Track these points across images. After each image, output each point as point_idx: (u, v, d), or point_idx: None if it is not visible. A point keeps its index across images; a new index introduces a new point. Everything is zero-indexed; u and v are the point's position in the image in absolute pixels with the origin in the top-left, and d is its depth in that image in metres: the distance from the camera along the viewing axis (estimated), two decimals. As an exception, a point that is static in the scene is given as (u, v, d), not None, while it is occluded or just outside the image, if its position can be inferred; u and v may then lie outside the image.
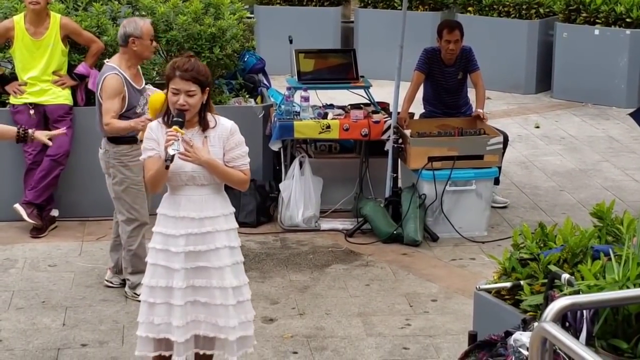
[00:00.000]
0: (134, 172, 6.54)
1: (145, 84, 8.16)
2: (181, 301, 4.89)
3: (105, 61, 6.82)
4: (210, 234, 4.93)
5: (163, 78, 8.33)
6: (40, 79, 7.88)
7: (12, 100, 7.90)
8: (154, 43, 6.80)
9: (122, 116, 6.49)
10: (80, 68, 7.97)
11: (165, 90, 5.00)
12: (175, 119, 4.84)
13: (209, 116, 4.96)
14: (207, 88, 4.93)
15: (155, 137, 4.93)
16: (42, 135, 5.90)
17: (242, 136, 5.03)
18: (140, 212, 6.63)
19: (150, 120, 6.28)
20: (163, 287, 4.92)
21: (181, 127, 4.81)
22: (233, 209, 5.07)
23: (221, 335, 4.97)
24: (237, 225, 5.07)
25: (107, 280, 6.87)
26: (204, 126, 4.94)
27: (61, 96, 7.91)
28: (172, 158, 4.77)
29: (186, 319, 4.91)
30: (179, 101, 4.83)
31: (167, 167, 4.80)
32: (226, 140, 4.95)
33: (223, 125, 4.98)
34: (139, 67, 6.79)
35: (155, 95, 6.36)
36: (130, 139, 6.57)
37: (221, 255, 4.95)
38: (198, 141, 4.91)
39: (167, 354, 5.01)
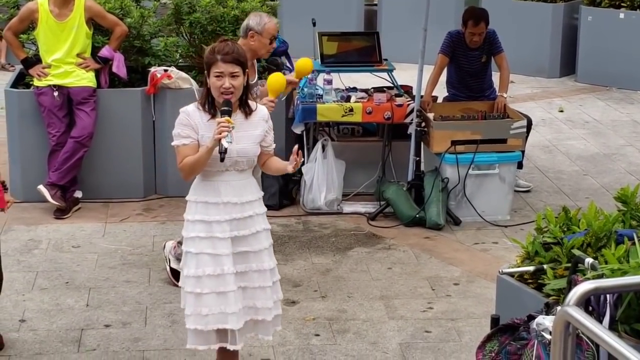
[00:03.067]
0: None
1: (169, 65, 8.21)
2: (234, 286, 4.86)
3: None
4: (251, 218, 4.94)
5: (187, 61, 8.42)
6: (64, 61, 7.90)
7: (36, 82, 7.93)
8: (273, 44, 6.71)
9: None
10: (104, 51, 7.99)
11: (214, 76, 4.83)
12: (223, 108, 4.79)
13: (251, 101, 4.96)
14: (247, 70, 4.91)
15: (193, 123, 4.87)
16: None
17: None
18: None
19: (273, 101, 6.37)
20: (211, 275, 4.85)
21: (230, 116, 4.78)
22: (262, 193, 5.11)
23: (258, 317, 4.98)
24: (266, 209, 5.11)
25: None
26: (248, 111, 4.94)
27: (85, 78, 7.94)
28: (226, 150, 4.73)
29: (239, 304, 4.88)
30: (224, 84, 4.78)
31: (222, 160, 4.75)
32: (265, 123, 4.99)
33: (260, 110, 5.01)
34: (254, 62, 6.74)
35: (275, 76, 6.37)
36: None
37: (260, 238, 4.97)
38: (241, 127, 4.87)
39: (216, 346, 4.98)
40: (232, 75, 4.80)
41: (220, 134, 4.71)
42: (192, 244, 4.92)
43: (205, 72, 4.88)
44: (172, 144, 4.94)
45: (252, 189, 4.99)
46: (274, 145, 5.12)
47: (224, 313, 4.86)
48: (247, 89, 4.95)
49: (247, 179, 4.97)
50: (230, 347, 4.94)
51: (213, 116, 4.87)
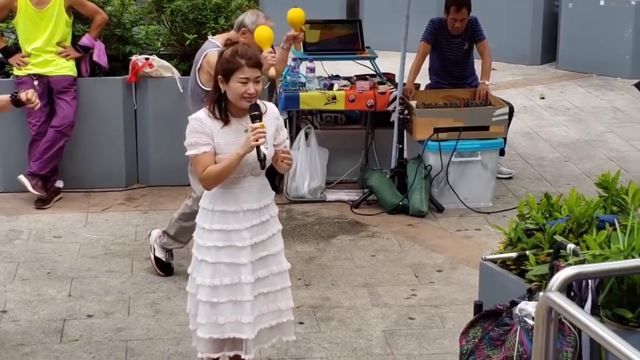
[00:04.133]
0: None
1: (150, 54, 8.16)
2: (251, 296, 4.71)
3: (209, 36, 6.71)
4: (268, 221, 4.81)
5: (168, 49, 8.38)
6: (44, 49, 7.86)
7: (16, 71, 7.89)
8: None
9: None
10: (85, 40, 7.95)
11: (238, 82, 4.62)
12: (254, 113, 4.61)
13: (259, 101, 4.75)
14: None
15: (207, 130, 4.66)
16: (27, 94, 5.44)
17: None
18: None
19: (271, 52, 6.17)
20: (228, 284, 4.70)
21: (261, 120, 4.62)
22: (274, 193, 4.97)
23: (283, 319, 4.88)
24: (277, 209, 4.97)
25: None
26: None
27: (65, 67, 7.90)
28: (265, 157, 4.59)
29: (254, 313, 4.74)
30: (249, 90, 4.59)
31: (263, 167, 4.61)
32: (277, 121, 4.82)
33: (270, 108, 4.83)
34: None
35: (261, 28, 6.19)
36: None
37: (277, 240, 4.86)
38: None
39: (231, 354, 4.86)
40: (256, 80, 4.64)
41: (257, 140, 4.53)
42: (208, 253, 4.74)
43: (222, 76, 4.65)
44: (189, 153, 4.71)
45: (267, 191, 4.84)
46: (287, 143, 4.92)
47: (240, 322, 4.73)
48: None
49: (263, 182, 4.82)
50: (245, 357, 4.78)
51: (226, 122, 4.67)
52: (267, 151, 4.64)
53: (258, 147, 4.56)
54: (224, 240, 4.72)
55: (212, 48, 6.26)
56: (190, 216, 6.56)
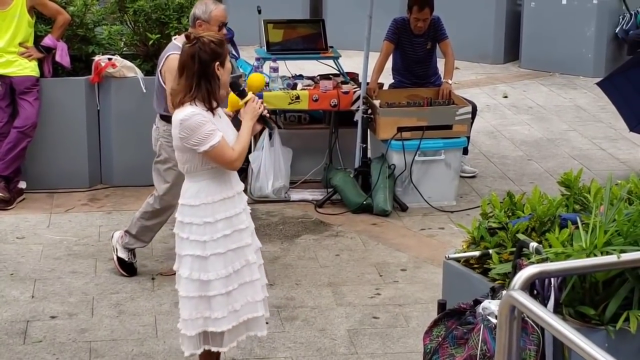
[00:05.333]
0: None
1: (113, 54, 8.13)
2: (258, 274, 4.91)
3: (173, 38, 6.67)
4: (239, 195, 4.94)
5: (131, 49, 8.35)
6: (7, 50, 7.80)
7: (-22, 71, 7.83)
8: (224, 30, 6.45)
9: None
10: (47, 40, 7.90)
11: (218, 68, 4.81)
12: (241, 89, 4.98)
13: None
14: None
15: (209, 118, 4.75)
16: None
17: None
18: (174, 196, 6.51)
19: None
20: (238, 269, 4.82)
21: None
22: None
23: (258, 313, 4.92)
24: None
25: None
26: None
27: (27, 67, 7.84)
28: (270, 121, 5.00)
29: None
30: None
31: (271, 137, 4.98)
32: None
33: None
34: None
35: (255, 76, 6.20)
36: None
37: (250, 215, 5.02)
38: (222, 114, 4.95)
39: (242, 337, 4.97)
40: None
41: (262, 109, 4.93)
42: (217, 244, 4.78)
43: (218, 63, 4.77)
44: (206, 147, 4.70)
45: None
46: None
47: (254, 302, 4.85)
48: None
49: None
50: (260, 334, 4.98)
51: (212, 111, 4.78)
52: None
53: (262, 115, 4.92)
54: (230, 227, 4.81)
55: (173, 51, 6.24)
56: (152, 214, 6.54)
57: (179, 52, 5.70)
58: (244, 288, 4.85)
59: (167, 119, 6.33)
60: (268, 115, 5.01)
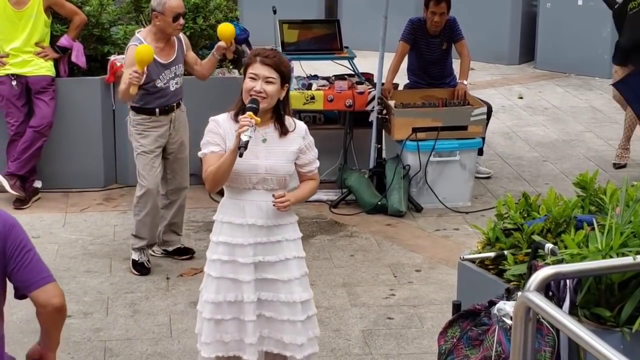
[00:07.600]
0: (149, 141, 6.54)
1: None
2: (253, 316, 4.54)
3: (136, 31, 6.76)
4: (279, 243, 4.58)
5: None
6: (23, 50, 7.83)
7: (-6, 71, 7.86)
8: (181, 20, 6.51)
9: (141, 88, 6.34)
10: (63, 41, 7.92)
11: (248, 77, 4.50)
12: (249, 105, 4.42)
13: (288, 119, 4.60)
14: (287, 85, 4.56)
15: (222, 132, 4.52)
16: None
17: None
18: (147, 179, 6.56)
19: (139, 73, 6.12)
20: (232, 301, 4.55)
21: (255, 114, 4.39)
22: (297, 217, 4.80)
23: (287, 352, 4.62)
24: (301, 234, 4.76)
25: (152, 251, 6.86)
26: (283, 130, 4.57)
27: (44, 67, 7.87)
28: (246, 145, 4.32)
29: (257, 334, 4.57)
30: (255, 87, 4.43)
31: (240, 155, 4.33)
32: (302, 140, 4.65)
33: (299, 126, 4.65)
34: (174, 39, 6.58)
35: (142, 47, 6.23)
36: (149, 110, 6.55)
37: (290, 266, 4.59)
38: (272, 142, 4.56)
39: None
40: (267, 81, 4.46)
41: (240, 128, 4.33)
42: (213, 266, 4.58)
43: (243, 72, 4.56)
44: (200, 153, 4.57)
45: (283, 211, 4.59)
46: (314, 166, 4.78)
47: (243, 342, 4.58)
48: (285, 104, 4.59)
49: None
50: None
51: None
52: (258, 161, 4.49)
53: (239, 136, 4.36)
54: (228, 254, 4.56)
55: (133, 42, 6.46)
56: (138, 207, 6.61)
57: (137, 44, 6.15)
58: (234, 323, 4.59)
59: (135, 109, 6.49)
60: (247, 136, 4.34)
